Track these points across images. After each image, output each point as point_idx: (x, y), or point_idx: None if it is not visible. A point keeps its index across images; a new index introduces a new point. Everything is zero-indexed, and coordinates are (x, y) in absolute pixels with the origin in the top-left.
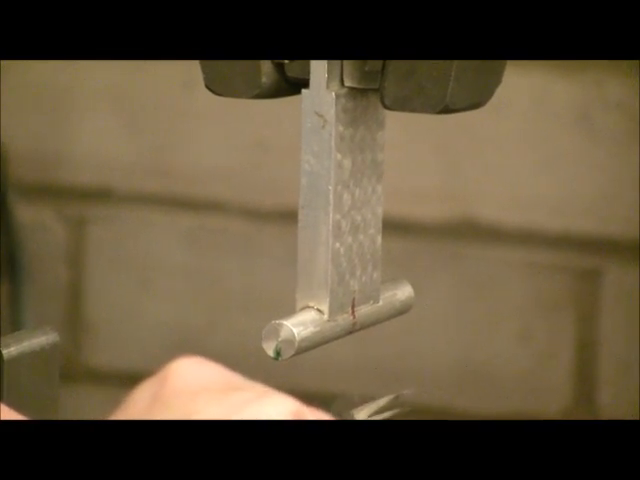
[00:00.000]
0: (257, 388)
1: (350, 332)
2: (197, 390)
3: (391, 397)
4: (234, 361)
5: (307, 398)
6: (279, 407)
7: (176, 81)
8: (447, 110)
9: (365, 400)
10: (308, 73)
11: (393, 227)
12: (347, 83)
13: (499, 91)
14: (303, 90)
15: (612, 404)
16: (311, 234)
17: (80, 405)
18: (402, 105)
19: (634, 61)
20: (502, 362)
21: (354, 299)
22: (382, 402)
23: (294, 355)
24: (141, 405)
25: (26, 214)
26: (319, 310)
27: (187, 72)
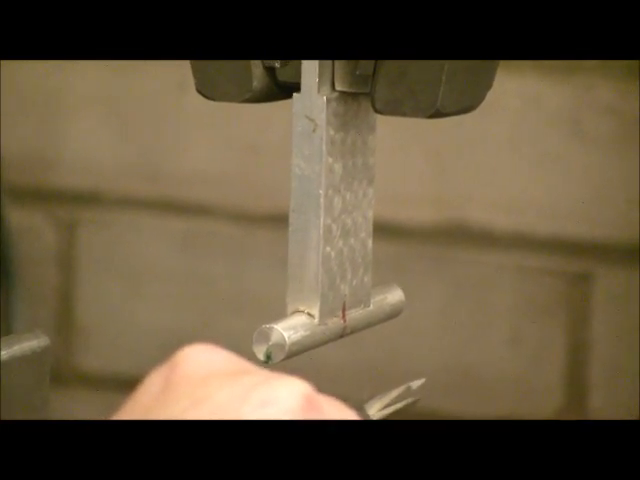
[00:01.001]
0: (267, 372)
1: (341, 336)
2: (207, 375)
3: (402, 388)
4: None
5: None
6: (291, 388)
7: (166, 84)
8: (438, 114)
9: (375, 394)
10: (299, 77)
11: (384, 231)
12: (338, 87)
13: (490, 95)
14: (294, 94)
15: (603, 407)
16: (302, 238)
17: (71, 408)
18: (393, 109)
19: (625, 65)
20: (493, 365)
21: (345, 303)
22: (394, 394)
23: (284, 359)
24: (153, 391)
25: (17, 217)
26: (309, 314)
27: (178, 75)
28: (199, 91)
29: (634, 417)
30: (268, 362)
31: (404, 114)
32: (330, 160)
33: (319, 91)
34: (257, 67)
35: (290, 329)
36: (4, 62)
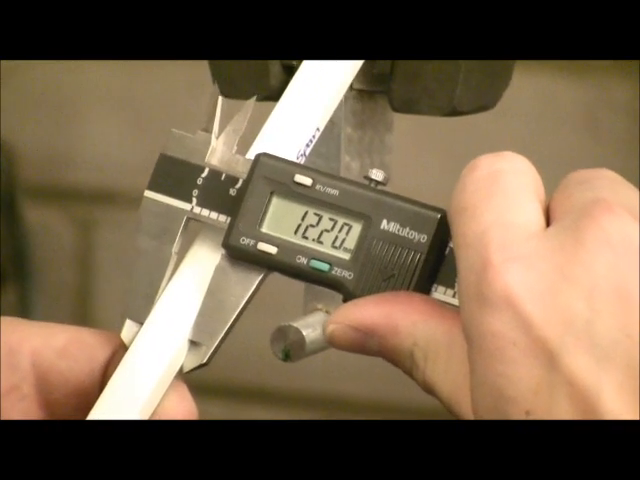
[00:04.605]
0: None
1: None
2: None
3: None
4: (240, 362)
5: (310, 399)
6: None
7: (181, 83)
8: (454, 112)
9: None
10: None
11: None
12: (355, 86)
13: (505, 94)
14: None
15: None
16: None
17: None
18: (410, 107)
19: None
20: None
21: None
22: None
23: (303, 357)
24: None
25: (34, 216)
26: (327, 312)
27: (193, 74)
28: None
29: None
30: (286, 360)
31: (420, 112)
32: (347, 158)
33: None
34: (275, 65)
35: (308, 327)
36: (19, 61)
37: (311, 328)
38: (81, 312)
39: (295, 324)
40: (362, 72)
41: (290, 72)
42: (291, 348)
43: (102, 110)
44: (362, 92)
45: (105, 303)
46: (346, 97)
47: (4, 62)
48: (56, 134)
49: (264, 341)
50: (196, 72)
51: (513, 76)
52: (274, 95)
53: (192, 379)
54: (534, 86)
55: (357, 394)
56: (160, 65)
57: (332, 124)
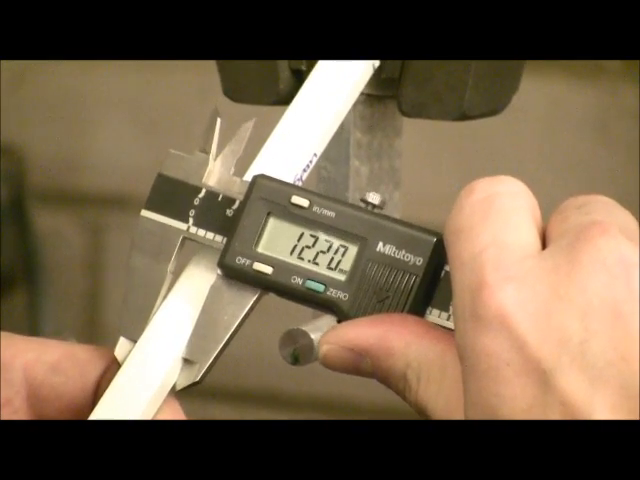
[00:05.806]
0: None
1: None
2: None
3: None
4: (248, 366)
5: (318, 403)
6: None
7: (192, 88)
8: (464, 117)
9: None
10: None
11: None
12: (365, 90)
13: (515, 98)
14: None
15: None
16: None
17: None
18: (419, 112)
19: None
20: None
21: None
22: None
23: (312, 361)
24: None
25: (44, 221)
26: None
27: (203, 80)
28: (226, 94)
29: None
30: (295, 364)
31: (430, 117)
32: (357, 163)
33: None
34: (284, 70)
35: (317, 331)
36: (30, 65)
37: (320, 332)
38: (90, 316)
39: (304, 328)
40: (371, 76)
41: (299, 76)
42: (300, 352)
43: (112, 115)
44: (371, 96)
45: (114, 307)
46: (355, 102)
47: (15, 67)
48: (66, 139)
49: (272, 345)
50: (206, 78)
51: (524, 81)
52: (283, 100)
53: None
54: (544, 91)
55: (365, 398)
56: (170, 71)
57: (341, 128)
